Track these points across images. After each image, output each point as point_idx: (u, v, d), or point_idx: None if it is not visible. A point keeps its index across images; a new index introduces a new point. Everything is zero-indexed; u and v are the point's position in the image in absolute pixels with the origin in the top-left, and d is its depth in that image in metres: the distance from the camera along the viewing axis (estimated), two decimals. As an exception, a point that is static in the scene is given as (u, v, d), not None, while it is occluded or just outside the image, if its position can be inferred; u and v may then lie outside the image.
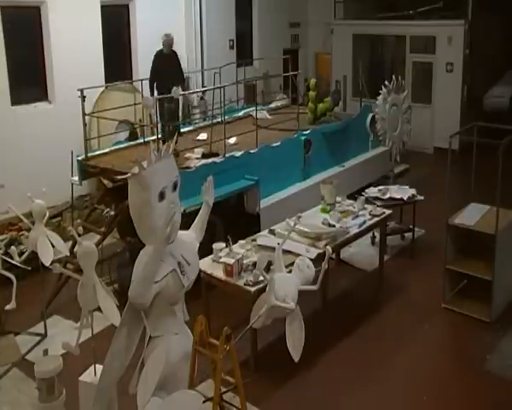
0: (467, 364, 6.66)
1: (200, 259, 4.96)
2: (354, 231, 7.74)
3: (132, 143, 9.85)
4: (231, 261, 6.47)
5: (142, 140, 9.92)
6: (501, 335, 7.08)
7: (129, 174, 4.25)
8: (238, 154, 8.96)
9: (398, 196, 9.21)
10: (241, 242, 7.16)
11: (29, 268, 6.89)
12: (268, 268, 5.89)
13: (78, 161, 8.85)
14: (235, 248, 6.90)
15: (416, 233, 9.55)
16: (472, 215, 7.69)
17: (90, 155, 8.87)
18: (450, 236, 7.65)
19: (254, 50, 15.18)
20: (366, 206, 8.50)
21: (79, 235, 5.31)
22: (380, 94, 10.83)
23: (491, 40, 14.63)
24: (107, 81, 11.08)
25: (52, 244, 6.58)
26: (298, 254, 6.48)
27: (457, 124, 13.98)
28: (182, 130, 10.39)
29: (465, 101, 14.42)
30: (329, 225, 7.63)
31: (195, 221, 4.84)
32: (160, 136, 8.50)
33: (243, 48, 14.70)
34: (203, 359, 4.85)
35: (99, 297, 5.04)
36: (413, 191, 9.36)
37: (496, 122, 8.52)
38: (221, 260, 6.63)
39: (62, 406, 5.30)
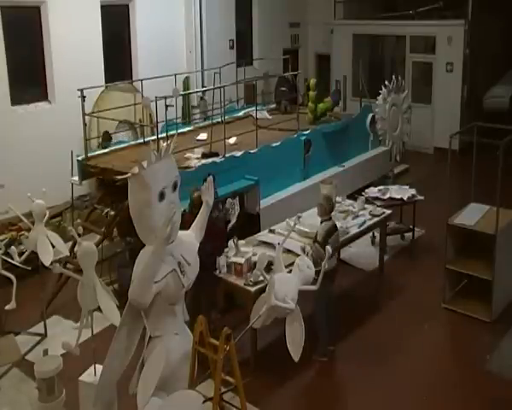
0: (467, 364, 6.67)
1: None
2: (354, 231, 7.75)
3: (132, 143, 9.86)
4: (241, 261, 6.48)
5: (142, 140, 9.92)
6: (501, 335, 7.08)
7: (129, 174, 4.24)
8: (238, 154, 8.96)
9: (398, 196, 9.21)
10: (241, 242, 7.17)
11: (29, 268, 6.89)
12: (268, 268, 5.89)
13: (78, 161, 8.84)
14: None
15: (416, 233, 9.56)
16: (472, 215, 7.69)
17: (90, 155, 8.86)
18: (450, 236, 7.65)
19: (254, 50, 15.17)
20: (366, 206, 8.51)
21: (79, 235, 5.31)
22: (380, 94, 10.83)
23: (491, 40, 14.62)
24: (107, 81, 11.07)
25: (52, 244, 6.58)
26: (298, 255, 6.49)
27: (457, 124, 13.98)
28: (181, 130, 10.40)
29: (465, 101, 14.42)
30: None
31: (195, 221, 4.83)
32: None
33: (243, 48, 14.68)
34: (203, 359, 4.86)
35: (99, 297, 5.04)
36: (413, 191, 9.37)
37: (496, 122, 8.51)
38: (230, 260, 6.66)
39: (62, 406, 5.30)
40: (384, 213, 8.34)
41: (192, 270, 4.49)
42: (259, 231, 7.96)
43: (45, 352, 6.07)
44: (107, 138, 10.02)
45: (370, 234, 9.26)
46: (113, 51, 11.70)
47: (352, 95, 15.35)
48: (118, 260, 8.18)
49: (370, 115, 11.81)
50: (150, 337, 4.40)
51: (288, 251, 6.82)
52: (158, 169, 4.16)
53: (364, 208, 8.40)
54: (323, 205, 6.75)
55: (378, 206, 8.62)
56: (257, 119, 9.84)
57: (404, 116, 11.30)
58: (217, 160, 8.66)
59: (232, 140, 9.47)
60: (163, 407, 4.16)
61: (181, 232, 4.49)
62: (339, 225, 7.70)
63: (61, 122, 10.05)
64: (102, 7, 11.19)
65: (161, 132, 8.76)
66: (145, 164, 4.10)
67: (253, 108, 10.28)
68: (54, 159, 9.73)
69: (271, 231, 7.58)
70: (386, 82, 10.90)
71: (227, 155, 8.79)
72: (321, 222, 6.73)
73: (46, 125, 10.09)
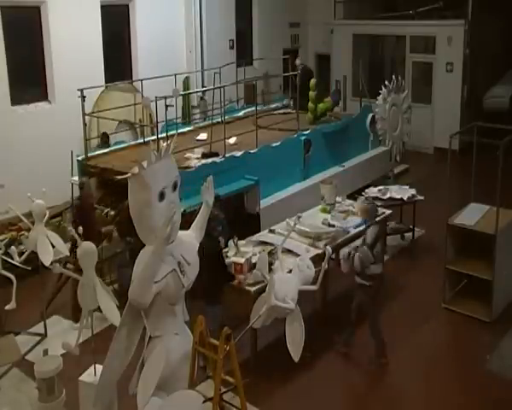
0: (467, 364, 6.67)
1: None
2: (354, 231, 7.74)
3: (132, 143, 9.86)
4: (241, 260, 6.49)
5: (142, 140, 9.93)
6: (501, 335, 7.08)
7: (129, 174, 4.24)
8: (238, 154, 8.96)
9: (398, 196, 9.21)
10: (241, 242, 7.17)
11: (29, 268, 6.89)
12: (268, 268, 5.89)
13: (78, 161, 8.84)
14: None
15: (416, 233, 9.55)
16: (472, 215, 7.69)
17: (90, 155, 8.86)
18: (450, 236, 7.65)
19: (254, 50, 15.18)
20: (366, 206, 8.49)
21: (79, 235, 5.31)
22: (380, 94, 10.83)
23: (491, 40, 14.62)
24: (107, 81, 11.08)
25: (52, 244, 6.58)
26: (298, 255, 6.49)
27: (457, 124, 13.98)
28: (181, 130, 10.41)
29: (465, 101, 14.42)
30: (329, 225, 7.64)
31: (195, 221, 4.83)
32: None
33: (243, 48, 14.69)
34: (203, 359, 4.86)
35: (99, 297, 5.04)
36: (413, 191, 9.36)
37: (496, 122, 8.51)
38: (230, 260, 6.66)
39: (62, 406, 5.31)
40: (384, 213, 8.34)
41: (192, 270, 4.49)
42: (259, 231, 7.96)
43: (45, 352, 6.06)
44: (105, 140, 10.01)
45: (370, 234, 9.24)
46: (113, 51, 11.71)
47: (352, 95, 15.35)
48: (118, 260, 8.17)
49: (370, 115, 11.81)
50: (150, 337, 4.40)
51: (288, 251, 6.82)
52: (158, 169, 4.16)
53: (364, 208, 8.38)
54: (365, 210, 6.62)
55: (378, 206, 8.60)
56: (257, 118, 9.83)
57: (404, 116, 11.30)
58: (217, 160, 8.67)
59: (232, 140, 9.47)
60: (163, 407, 4.16)
61: (181, 232, 4.49)
62: (338, 224, 7.72)
63: (61, 122, 10.05)
64: (102, 7, 11.20)
65: (161, 132, 8.76)
66: (145, 164, 4.10)
67: (253, 108, 10.29)
68: (54, 159, 9.73)
69: (271, 231, 7.58)
70: (386, 82, 10.90)
71: (227, 155, 8.79)
72: (368, 226, 6.53)
73: (46, 125, 10.09)
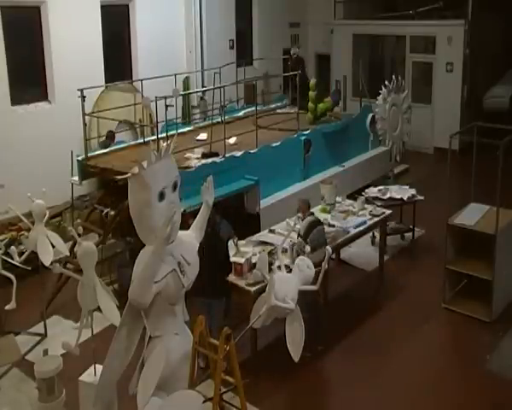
0: (467, 364, 6.67)
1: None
2: (354, 231, 7.75)
3: (132, 143, 9.86)
4: (241, 260, 6.49)
5: (142, 140, 9.92)
6: (501, 335, 7.08)
7: (129, 174, 4.25)
8: (238, 154, 8.96)
9: (398, 196, 9.22)
10: (241, 242, 7.17)
11: (29, 268, 6.89)
12: (268, 268, 5.88)
13: (78, 161, 8.84)
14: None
15: (416, 233, 9.56)
16: (472, 215, 7.69)
17: (90, 155, 8.86)
18: (450, 236, 7.65)
19: (254, 50, 15.18)
20: (366, 206, 8.51)
21: (79, 235, 5.31)
22: (380, 94, 10.83)
23: (491, 40, 14.63)
24: (107, 81, 11.07)
25: (52, 244, 6.58)
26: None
27: (457, 124, 13.98)
28: (181, 130, 10.40)
29: (465, 101, 14.42)
30: (329, 225, 7.64)
31: (195, 221, 4.84)
32: None
33: (243, 48, 14.69)
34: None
35: (99, 297, 5.04)
36: (413, 191, 9.37)
37: (496, 122, 8.52)
38: (230, 259, 6.65)
39: (62, 406, 5.31)
40: (384, 213, 8.35)
41: (192, 270, 4.49)
42: (259, 231, 7.96)
43: (45, 352, 6.07)
44: (111, 138, 9.96)
45: (370, 234, 9.26)
46: (113, 51, 11.70)
47: (352, 95, 15.34)
48: (118, 260, 8.18)
49: (370, 115, 11.81)
50: (150, 337, 4.40)
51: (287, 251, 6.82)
52: (158, 169, 4.16)
53: (364, 208, 8.40)
54: (300, 206, 7.02)
55: (378, 206, 8.61)
56: (257, 118, 9.83)
57: (404, 116, 11.30)
58: (217, 160, 8.67)
59: (232, 140, 9.47)
60: (163, 407, 4.16)
61: (181, 232, 4.49)
62: (338, 224, 7.73)
63: (61, 122, 10.04)
64: (102, 7, 11.19)
65: (161, 132, 8.76)
66: (145, 164, 4.10)
67: (253, 108, 10.29)
68: (54, 159, 9.73)
69: (271, 231, 7.58)
70: (386, 82, 10.90)
71: (227, 155, 8.79)
72: (302, 219, 6.95)
73: (46, 125, 10.08)
